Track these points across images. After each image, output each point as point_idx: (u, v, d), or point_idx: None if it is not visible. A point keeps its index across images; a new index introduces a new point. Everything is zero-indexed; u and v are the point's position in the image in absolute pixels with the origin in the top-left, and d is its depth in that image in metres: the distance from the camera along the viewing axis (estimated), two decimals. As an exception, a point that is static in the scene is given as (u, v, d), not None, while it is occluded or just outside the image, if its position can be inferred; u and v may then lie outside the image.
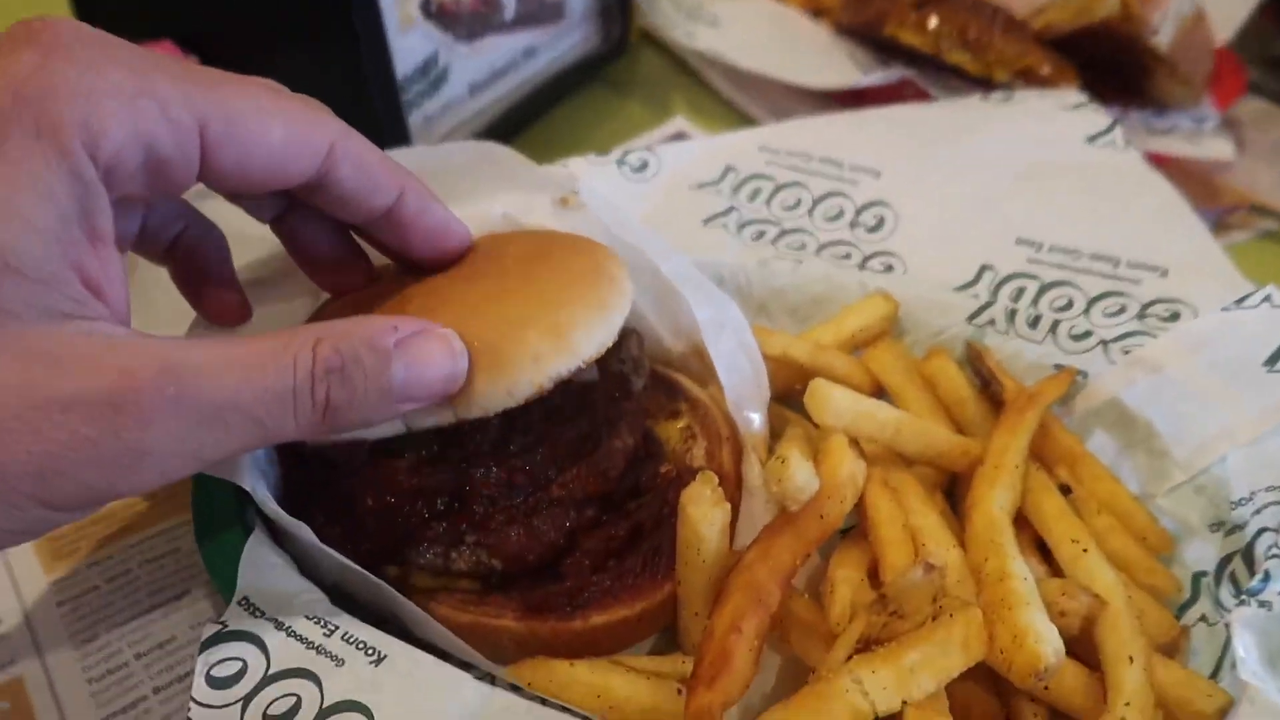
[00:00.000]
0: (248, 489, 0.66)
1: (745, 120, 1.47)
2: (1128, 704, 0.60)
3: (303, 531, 0.66)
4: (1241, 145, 1.44)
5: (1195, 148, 1.22)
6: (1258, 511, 0.71)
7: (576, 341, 0.66)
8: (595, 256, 0.74)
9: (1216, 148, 1.22)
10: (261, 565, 0.65)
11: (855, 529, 0.76)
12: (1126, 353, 0.84)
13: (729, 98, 1.50)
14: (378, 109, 1.18)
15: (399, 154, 0.86)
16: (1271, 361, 0.77)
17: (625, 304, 0.72)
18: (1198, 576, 0.74)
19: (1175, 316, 0.85)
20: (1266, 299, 0.81)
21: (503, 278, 0.70)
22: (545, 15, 1.32)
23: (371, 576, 0.67)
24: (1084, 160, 1.03)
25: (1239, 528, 0.72)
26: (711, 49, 1.43)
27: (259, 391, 0.55)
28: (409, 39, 1.18)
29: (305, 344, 0.57)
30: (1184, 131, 1.26)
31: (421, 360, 0.61)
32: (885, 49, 1.38)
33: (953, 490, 0.83)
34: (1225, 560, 0.73)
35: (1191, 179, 1.37)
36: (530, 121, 1.41)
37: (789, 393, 0.88)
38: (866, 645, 0.62)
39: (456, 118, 1.31)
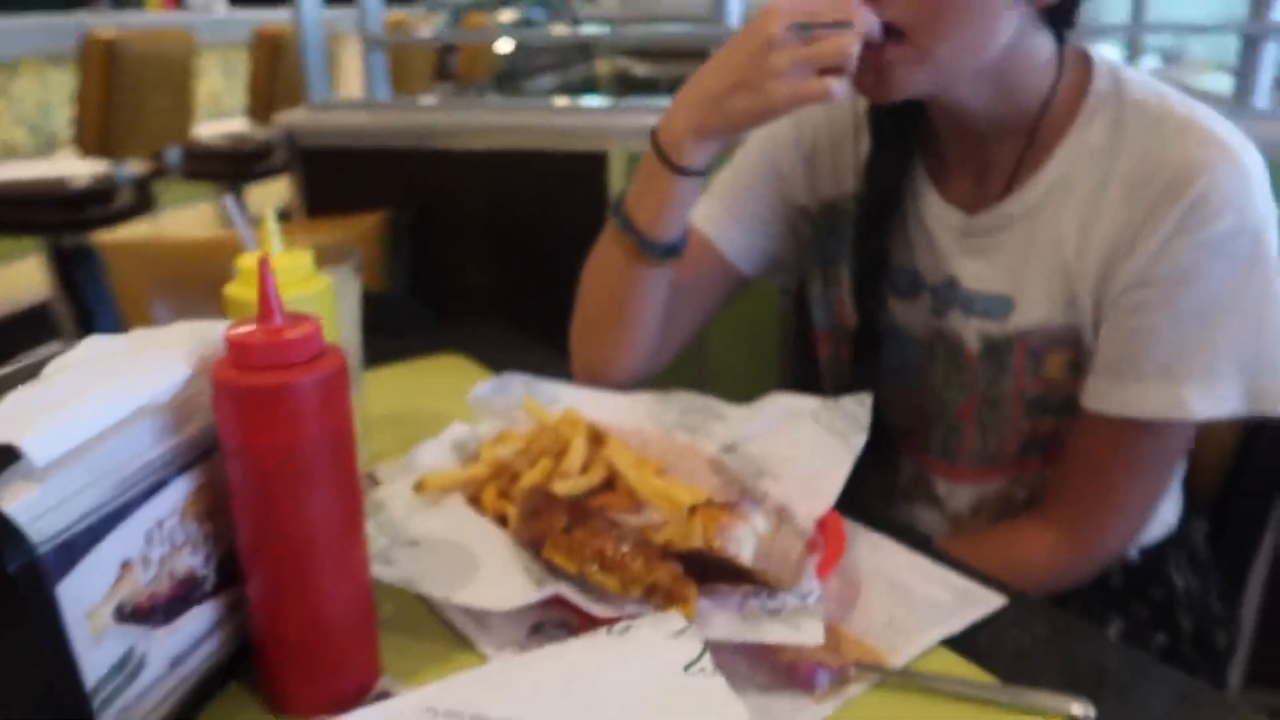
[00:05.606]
0: None
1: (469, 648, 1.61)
2: None
3: None
4: (855, 592, 1.76)
5: (793, 631, 1.49)
6: None
7: None
8: None
9: (809, 630, 1.49)
10: None
11: None
12: None
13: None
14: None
15: None
16: None
17: None
18: None
19: None
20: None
21: None
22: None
23: None
24: (681, 687, 1.26)
25: None
26: (403, 577, 1.62)
27: None
28: (101, 647, 1.28)
29: None
30: (789, 610, 1.54)
31: None
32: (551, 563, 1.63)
33: None
34: None
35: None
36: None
37: None
38: None
39: (158, 695, 1.38)
